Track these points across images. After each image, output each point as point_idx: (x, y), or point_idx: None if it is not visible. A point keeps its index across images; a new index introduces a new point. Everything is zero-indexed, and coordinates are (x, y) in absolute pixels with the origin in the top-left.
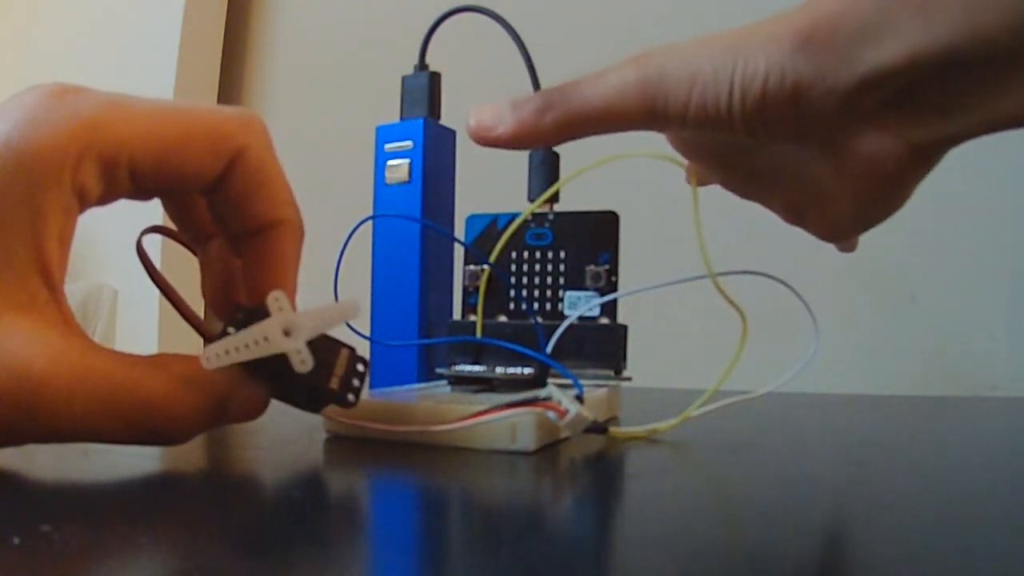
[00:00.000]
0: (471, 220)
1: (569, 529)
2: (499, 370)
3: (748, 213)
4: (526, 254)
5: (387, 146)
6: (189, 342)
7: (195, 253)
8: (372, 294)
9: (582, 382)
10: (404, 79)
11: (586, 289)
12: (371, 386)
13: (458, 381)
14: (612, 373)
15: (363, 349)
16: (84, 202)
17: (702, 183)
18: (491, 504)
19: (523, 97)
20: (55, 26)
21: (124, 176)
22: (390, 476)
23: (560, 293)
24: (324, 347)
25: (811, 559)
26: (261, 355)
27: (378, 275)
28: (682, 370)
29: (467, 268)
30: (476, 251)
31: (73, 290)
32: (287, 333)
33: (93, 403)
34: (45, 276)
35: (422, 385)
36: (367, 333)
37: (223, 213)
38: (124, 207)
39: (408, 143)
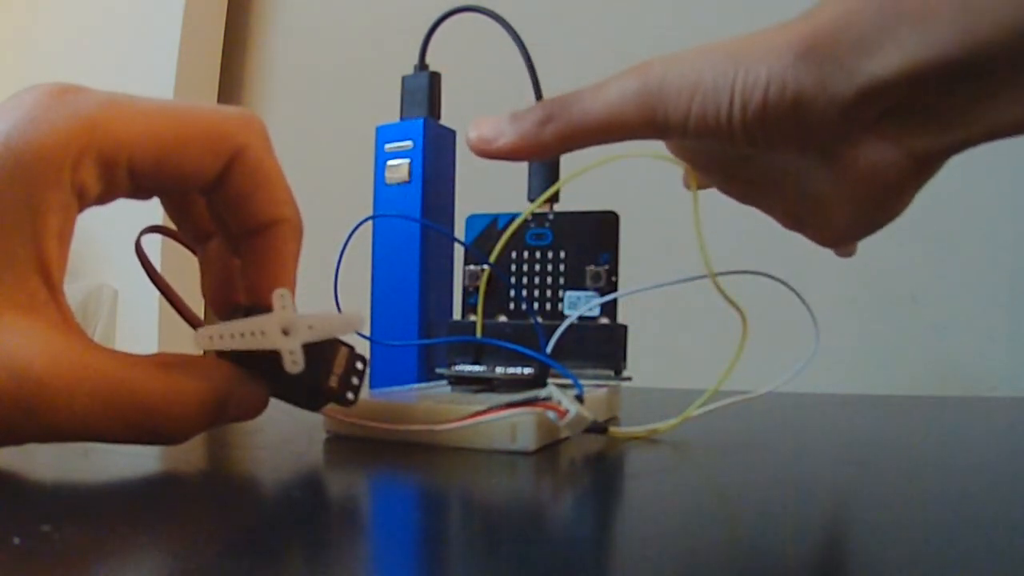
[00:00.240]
0: (471, 220)
1: (569, 529)
2: (499, 370)
3: (748, 213)
4: (526, 254)
5: (387, 146)
6: (189, 342)
7: (194, 252)
8: (372, 294)
9: (582, 382)
10: (404, 79)
11: (586, 289)
12: (371, 386)
13: (458, 381)
14: (612, 373)
15: (363, 349)
16: (83, 201)
17: (700, 187)
18: (491, 504)
19: (523, 109)
20: (55, 26)
21: (123, 175)
22: (390, 476)
23: (560, 293)
24: (323, 346)
25: (811, 559)
26: (254, 347)
27: (378, 275)
28: (682, 370)
29: (467, 268)
30: (476, 251)
31: (73, 290)
32: (285, 332)
33: (93, 402)
34: (44, 275)
35: (422, 385)
36: (367, 333)
37: (222, 212)
38: (124, 207)
39: (408, 143)
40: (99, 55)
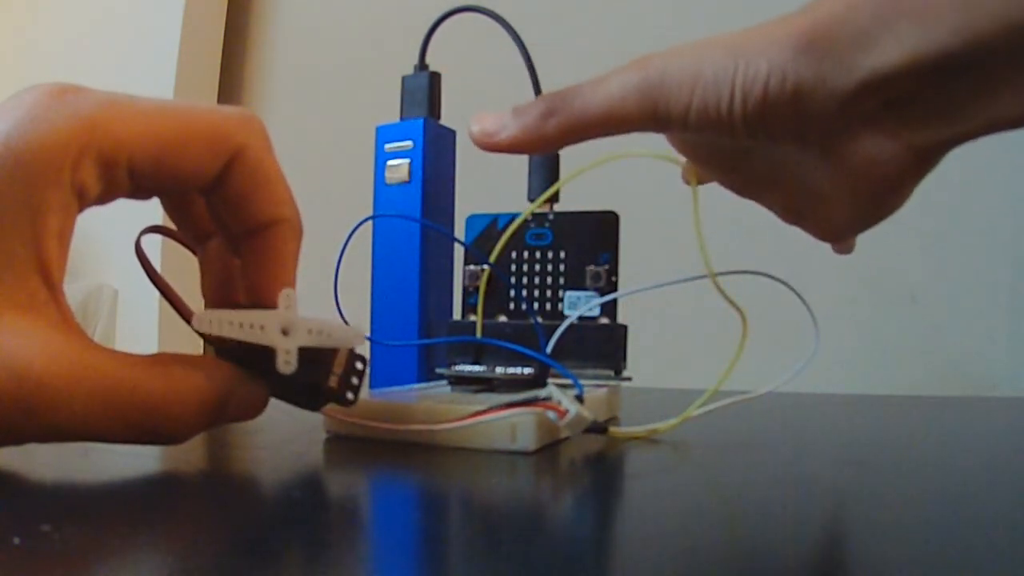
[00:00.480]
0: (471, 220)
1: (569, 529)
2: (499, 370)
3: (748, 213)
4: (526, 254)
5: (387, 146)
6: (189, 342)
7: (194, 252)
8: (372, 294)
9: (582, 382)
10: (404, 79)
11: (586, 289)
12: (371, 386)
13: (458, 381)
14: (612, 373)
15: (363, 349)
16: (83, 201)
17: (700, 181)
18: (491, 504)
19: (525, 103)
20: (55, 26)
21: (123, 175)
22: (390, 476)
23: (560, 293)
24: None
25: (811, 559)
26: (249, 340)
27: (378, 275)
28: (682, 370)
29: (467, 268)
30: (476, 251)
31: (73, 290)
32: (285, 332)
33: (92, 402)
34: (44, 275)
35: (422, 385)
36: (367, 333)
37: (222, 212)
38: (124, 207)
39: (408, 143)
40: (99, 55)
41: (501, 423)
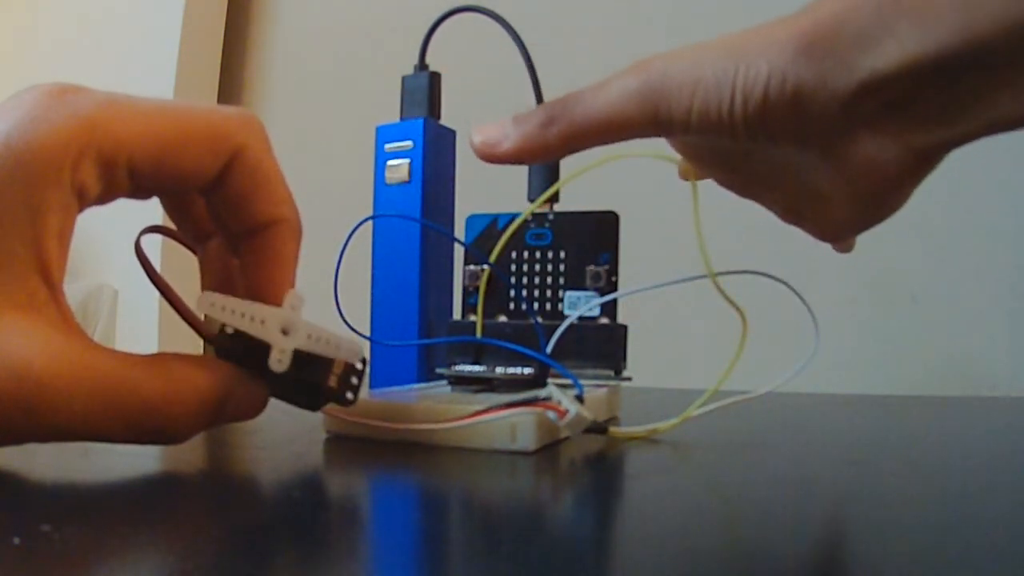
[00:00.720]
0: (471, 220)
1: (569, 529)
2: (499, 370)
3: (748, 213)
4: (526, 254)
5: (387, 146)
6: (189, 342)
7: (194, 252)
8: (372, 294)
9: (582, 382)
10: (404, 79)
11: (586, 289)
12: (371, 386)
13: (458, 381)
14: (612, 373)
15: (363, 349)
16: (83, 201)
17: (697, 177)
18: (491, 504)
19: (525, 112)
20: (55, 26)
21: (123, 175)
22: (390, 476)
23: (560, 293)
24: None
25: (811, 559)
26: (248, 331)
27: (378, 275)
28: (682, 370)
29: (467, 268)
30: (476, 251)
31: (73, 290)
32: (284, 332)
33: (92, 402)
34: (44, 275)
35: (422, 385)
36: (367, 333)
37: (221, 212)
38: (124, 207)
39: (408, 143)
40: (99, 55)
41: (501, 423)
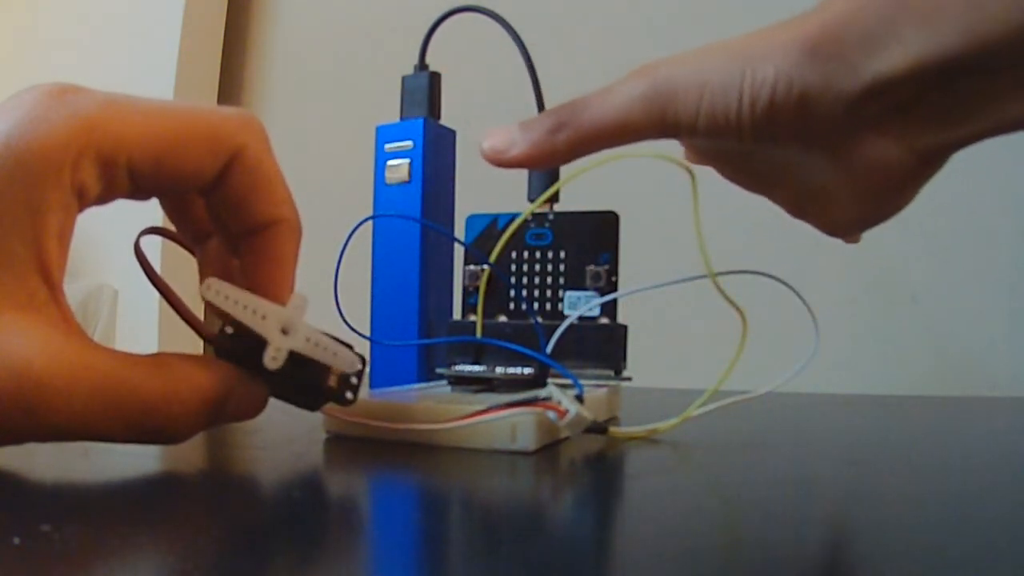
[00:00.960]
0: (471, 220)
1: (569, 529)
2: (499, 370)
3: (748, 213)
4: (526, 254)
5: (387, 146)
6: (188, 342)
7: (193, 253)
8: (372, 294)
9: (582, 382)
10: (404, 79)
11: (586, 289)
12: (371, 386)
13: (458, 381)
14: (612, 373)
15: (363, 349)
16: (83, 201)
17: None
18: (491, 504)
19: (533, 118)
20: (55, 26)
21: (123, 175)
22: (390, 476)
23: (560, 293)
24: None
25: (811, 559)
26: (246, 323)
27: (378, 275)
28: (682, 370)
29: (467, 268)
30: (476, 251)
31: (73, 290)
32: (284, 331)
33: (92, 402)
34: (44, 275)
35: (422, 385)
36: (367, 333)
37: (221, 213)
38: (124, 207)
39: (408, 143)
40: (99, 55)
41: (501, 423)
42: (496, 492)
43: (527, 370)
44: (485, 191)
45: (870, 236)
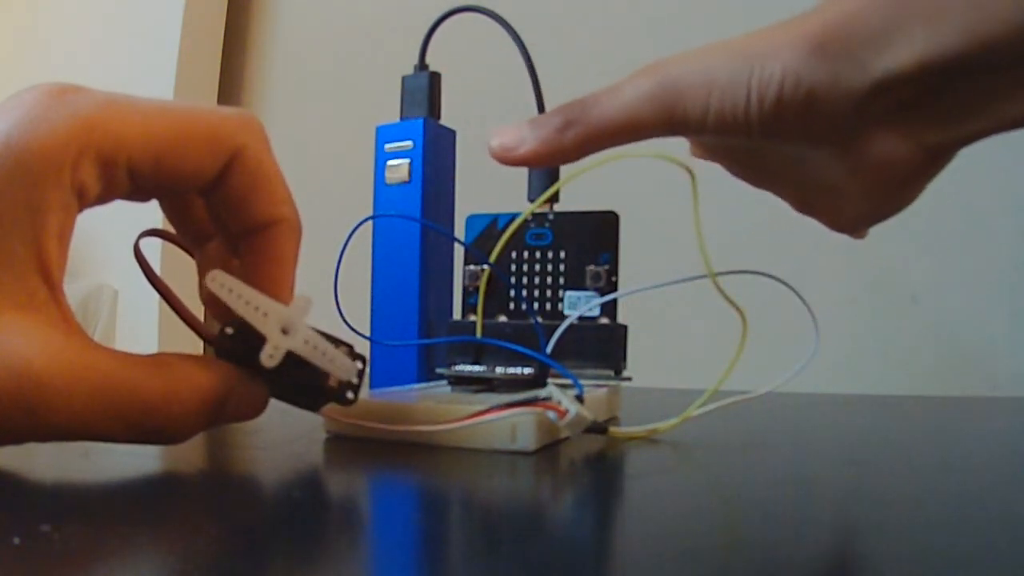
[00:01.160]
0: (471, 220)
1: (569, 529)
2: (499, 370)
3: (748, 213)
4: (526, 254)
5: (387, 146)
6: (188, 342)
7: (192, 256)
8: (372, 294)
9: (582, 382)
10: (404, 79)
11: (586, 289)
12: (371, 386)
13: (458, 381)
14: (612, 373)
15: (363, 349)
16: (83, 201)
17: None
18: (491, 504)
19: (541, 115)
20: (55, 26)
21: (123, 175)
22: (390, 476)
23: (560, 293)
24: None
25: (811, 559)
26: (247, 318)
27: (378, 275)
28: (682, 370)
29: (467, 268)
30: (476, 251)
31: (73, 290)
32: (284, 331)
33: (92, 402)
34: (44, 274)
35: (422, 385)
36: (367, 333)
37: (221, 213)
38: (124, 207)
39: (408, 143)
40: (99, 55)
41: (501, 423)
42: (496, 492)
43: (527, 370)
44: (485, 191)
45: (870, 236)
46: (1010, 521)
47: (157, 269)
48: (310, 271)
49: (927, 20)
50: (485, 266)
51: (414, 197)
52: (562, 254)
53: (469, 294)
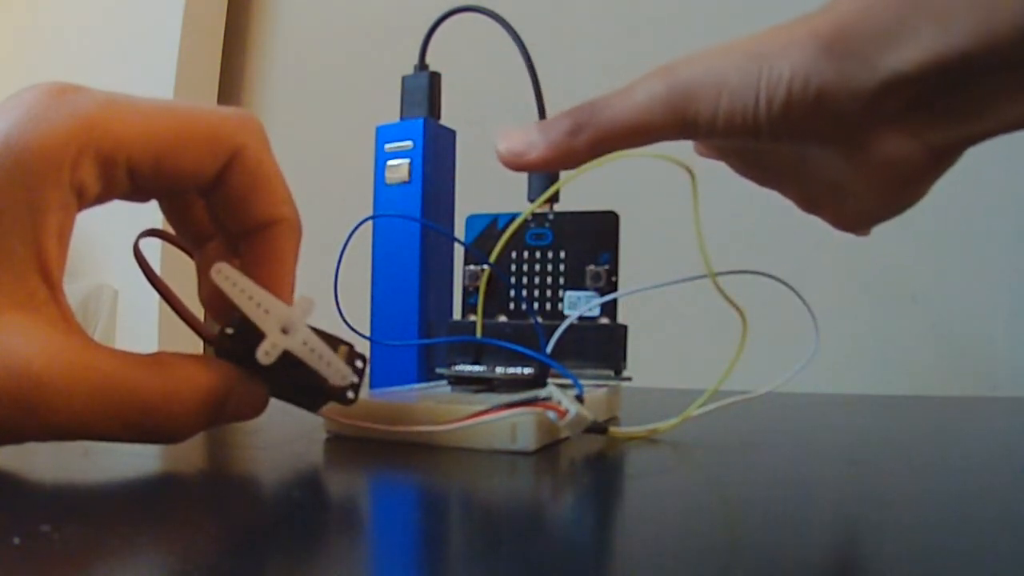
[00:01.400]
0: (471, 220)
1: (569, 529)
2: (499, 370)
3: (748, 213)
4: (526, 254)
5: (387, 146)
6: (189, 342)
7: (192, 256)
8: (372, 294)
9: (582, 382)
10: (404, 79)
11: (586, 289)
12: (371, 386)
13: (458, 381)
14: (612, 373)
15: (363, 349)
16: (83, 200)
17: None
18: (491, 504)
19: (550, 119)
20: (55, 26)
21: (122, 175)
22: (390, 476)
23: (560, 293)
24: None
25: (811, 559)
26: (248, 313)
27: (378, 275)
28: (682, 370)
29: (467, 268)
30: (476, 251)
31: (73, 290)
32: (284, 330)
33: (92, 401)
34: (44, 274)
35: (422, 385)
36: (367, 333)
37: (221, 213)
38: (124, 207)
39: (408, 143)
40: (99, 55)
41: (501, 423)
42: (496, 492)
43: (527, 370)
44: (485, 191)
45: (870, 236)
46: (1010, 521)
47: (157, 269)
48: (310, 271)
49: (935, 20)
50: (485, 266)
51: (414, 197)
52: (562, 254)
53: (469, 294)
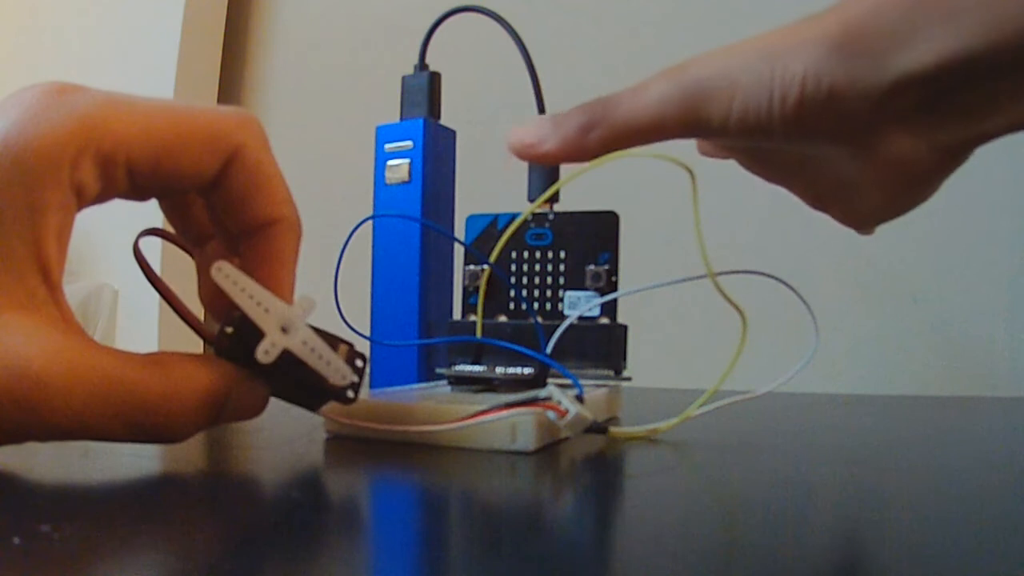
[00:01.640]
0: (471, 220)
1: (569, 529)
2: (499, 370)
3: (748, 212)
4: (526, 254)
5: (387, 146)
6: (189, 342)
7: (192, 256)
8: (372, 294)
9: (582, 382)
10: (404, 79)
11: (586, 289)
12: (371, 386)
13: (458, 381)
14: (612, 373)
15: (363, 349)
16: (82, 200)
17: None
18: (491, 504)
19: (563, 114)
20: (55, 26)
21: (122, 174)
22: (390, 476)
23: (560, 293)
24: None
25: (811, 559)
26: (248, 312)
27: (378, 275)
28: (682, 370)
29: (467, 268)
30: (476, 251)
31: (73, 290)
32: (284, 330)
33: (92, 401)
34: (44, 274)
35: (422, 385)
36: (367, 333)
37: (221, 213)
38: (124, 207)
39: (408, 143)
40: (99, 55)
41: (501, 423)
42: (496, 492)
43: (527, 370)
44: (485, 191)
45: (871, 236)
46: (1010, 521)
47: (157, 269)
48: (310, 271)
49: (944, 20)
50: (485, 266)
51: (414, 197)
52: (562, 254)
53: (469, 294)
